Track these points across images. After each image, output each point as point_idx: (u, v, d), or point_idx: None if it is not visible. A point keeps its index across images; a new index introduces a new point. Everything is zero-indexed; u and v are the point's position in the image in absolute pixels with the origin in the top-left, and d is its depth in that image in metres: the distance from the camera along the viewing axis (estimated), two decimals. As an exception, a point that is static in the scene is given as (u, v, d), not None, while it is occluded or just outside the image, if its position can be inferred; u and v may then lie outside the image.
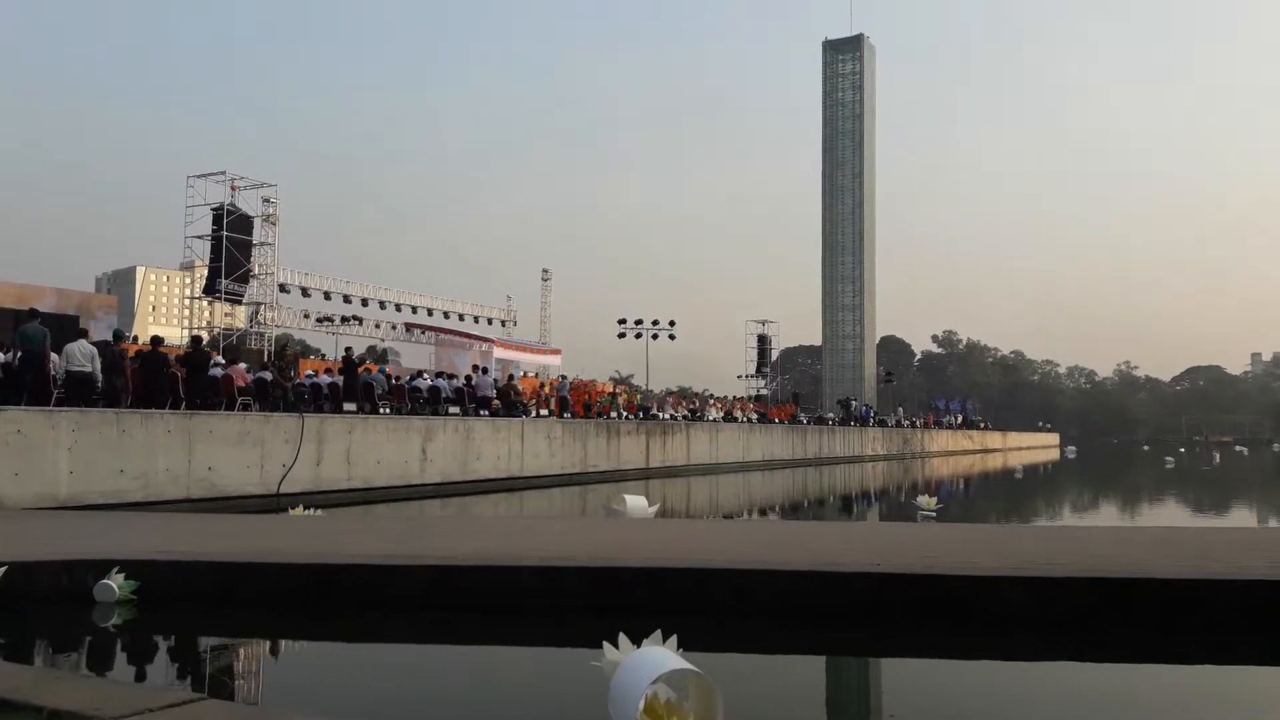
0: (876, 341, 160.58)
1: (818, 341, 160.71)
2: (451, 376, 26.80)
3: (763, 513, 23.09)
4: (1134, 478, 44.90)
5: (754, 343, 58.70)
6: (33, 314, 16.75)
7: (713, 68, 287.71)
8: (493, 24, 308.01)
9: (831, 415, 59.56)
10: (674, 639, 4.64)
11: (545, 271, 54.06)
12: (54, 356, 15.98)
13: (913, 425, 65.31)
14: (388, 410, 22.45)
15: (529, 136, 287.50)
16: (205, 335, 30.93)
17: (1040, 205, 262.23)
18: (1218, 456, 70.29)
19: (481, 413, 24.93)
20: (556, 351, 49.88)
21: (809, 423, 50.38)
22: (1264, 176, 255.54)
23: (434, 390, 24.62)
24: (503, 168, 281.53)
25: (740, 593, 6.81)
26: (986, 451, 73.43)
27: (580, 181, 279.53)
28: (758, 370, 58.84)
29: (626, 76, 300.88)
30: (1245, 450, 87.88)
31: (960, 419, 78.18)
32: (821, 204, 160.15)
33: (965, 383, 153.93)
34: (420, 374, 28.07)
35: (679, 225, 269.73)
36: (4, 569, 6.90)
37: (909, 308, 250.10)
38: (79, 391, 15.71)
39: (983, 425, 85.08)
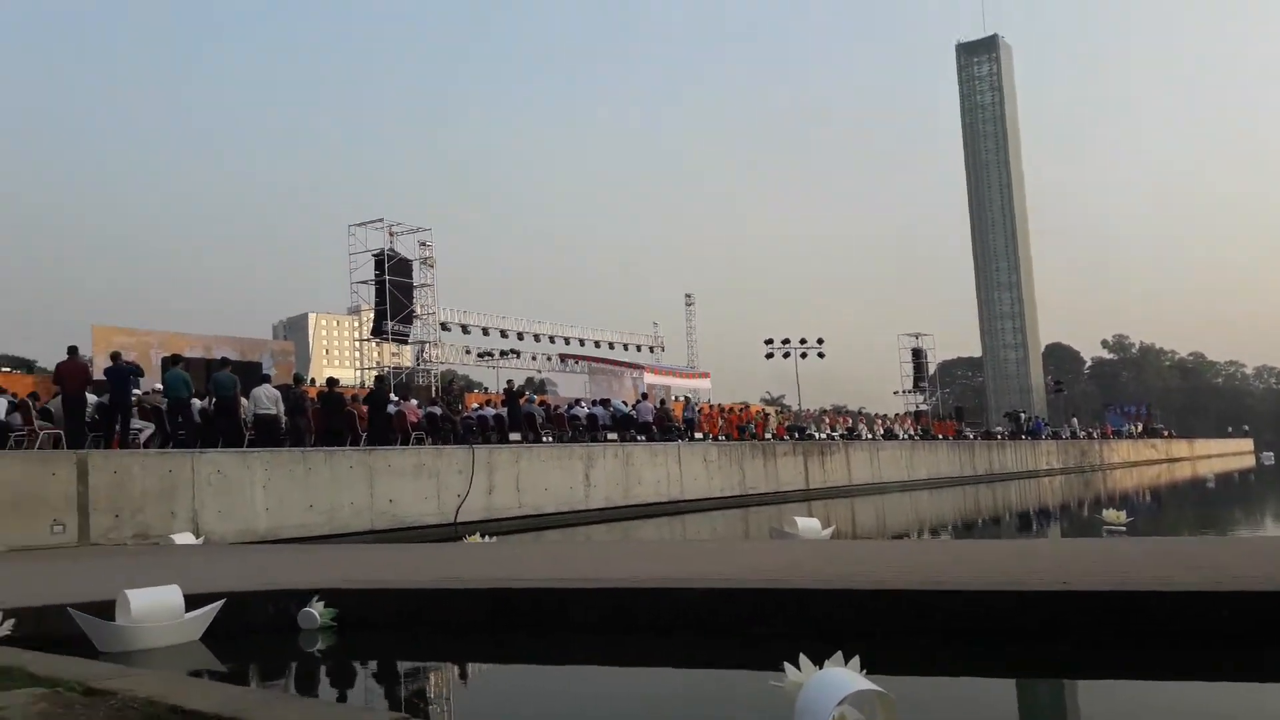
0: (1042, 350, 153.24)
1: (977, 353, 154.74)
2: (607, 403, 27.29)
3: (934, 532, 22.38)
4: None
5: (908, 357, 56.98)
6: (223, 363, 18.16)
7: (842, 82, 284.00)
8: (628, 57, 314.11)
9: (999, 429, 57.10)
10: (856, 660, 4.61)
11: (689, 296, 54.22)
12: (243, 401, 17.25)
13: (1089, 436, 61.80)
14: (549, 439, 23.08)
15: (665, 164, 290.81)
16: (376, 374, 32.64)
17: (1209, 191, 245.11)
18: None
19: (639, 438, 25.27)
20: (705, 375, 49.91)
21: (976, 438, 48.48)
22: None
23: (592, 417, 25.15)
24: (644, 196, 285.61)
25: (920, 612, 6.66)
26: (1172, 461, 68.59)
27: (719, 205, 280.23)
28: (915, 385, 57.05)
29: (758, 97, 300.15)
30: None
31: (1141, 427, 73.40)
32: (969, 210, 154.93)
33: (1141, 389, 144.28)
34: (578, 402, 28.72)
35: (820, 243, 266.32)
36: (223, 601, 7.50)
37: (1074, 314, 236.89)
38: (267, 433, 16.90)
39: (1166, 433, 79.57)
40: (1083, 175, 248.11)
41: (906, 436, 41.01)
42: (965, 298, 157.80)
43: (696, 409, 30.61)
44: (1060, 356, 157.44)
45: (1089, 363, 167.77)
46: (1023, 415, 62.01)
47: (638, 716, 5.86)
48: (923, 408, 56.41)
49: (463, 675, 7.40)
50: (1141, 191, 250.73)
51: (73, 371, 15.30)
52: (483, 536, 14.68)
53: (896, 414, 49.10)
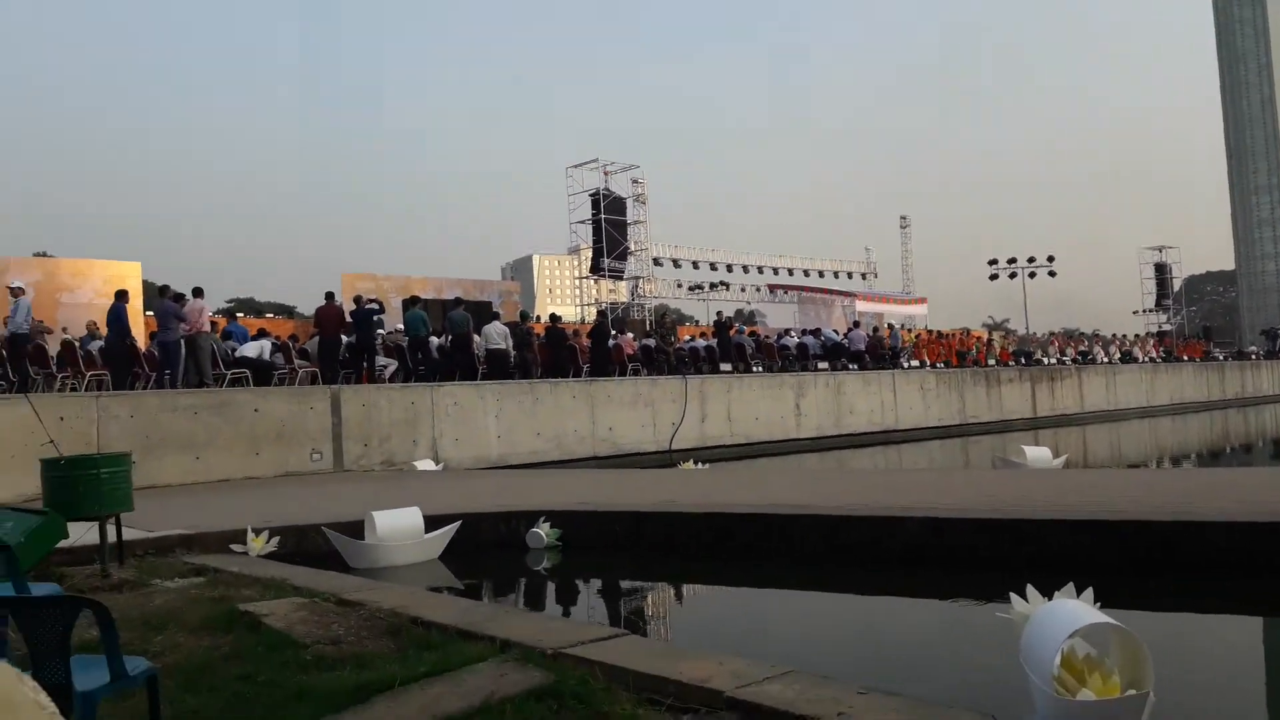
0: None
1: (1230, 266, 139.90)
2: (818, 332, 26.89)
3: (1175, 462, 20.77)
4: None
5: (1150, 273, 52.23)
6: (457, 302, 19.30)
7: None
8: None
9: (1255, 349, 51.69)
10: (1089, 592, 4.41)
11: (904, 219, 51.92)
12: (475, 338, 18.32)
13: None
14: (760, 369, 23.10)
15: (878, 85, 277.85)
16: (594, 310, 33.68)
17: None
18: None
19: (851, 367, 24.82)
20: (922, 300, 47.98)
21: (1226, 358, 44.16)
22: None
23: (802, 347, 24.91)
24: (855, 119, 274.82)
25: (1160, 546, 6.25)
26: None
27: (934, 122, 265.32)
28: (1157, 303, 52.34)
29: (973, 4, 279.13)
30: None
31: None
32: (1221, 106, 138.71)
33: None
34: (787, 332, 28.49)
35: (1045, 154, 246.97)
36: (459, 522, 8.11)
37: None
38: (498, 366, 17.91)
39: None
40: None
41: (1147, 359, 37.95)
42: (1219, 206, 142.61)
43: (899, 336, 29.44)
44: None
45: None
46: (1283, 333, 55.71)
47: (860, 645, 5.87)
48: (1166, 328, 51.88)
49: (678, 595, 7.67)
50: None
51: (329, 315, 16.78)
52: (696, 463, 15.03)
53: (1136, 335, 45.48)
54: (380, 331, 18.28)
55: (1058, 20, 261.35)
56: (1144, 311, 52.23)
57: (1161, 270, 52.01)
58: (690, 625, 6.87)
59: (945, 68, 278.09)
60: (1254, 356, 46.88)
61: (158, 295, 15.34)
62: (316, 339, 17.29)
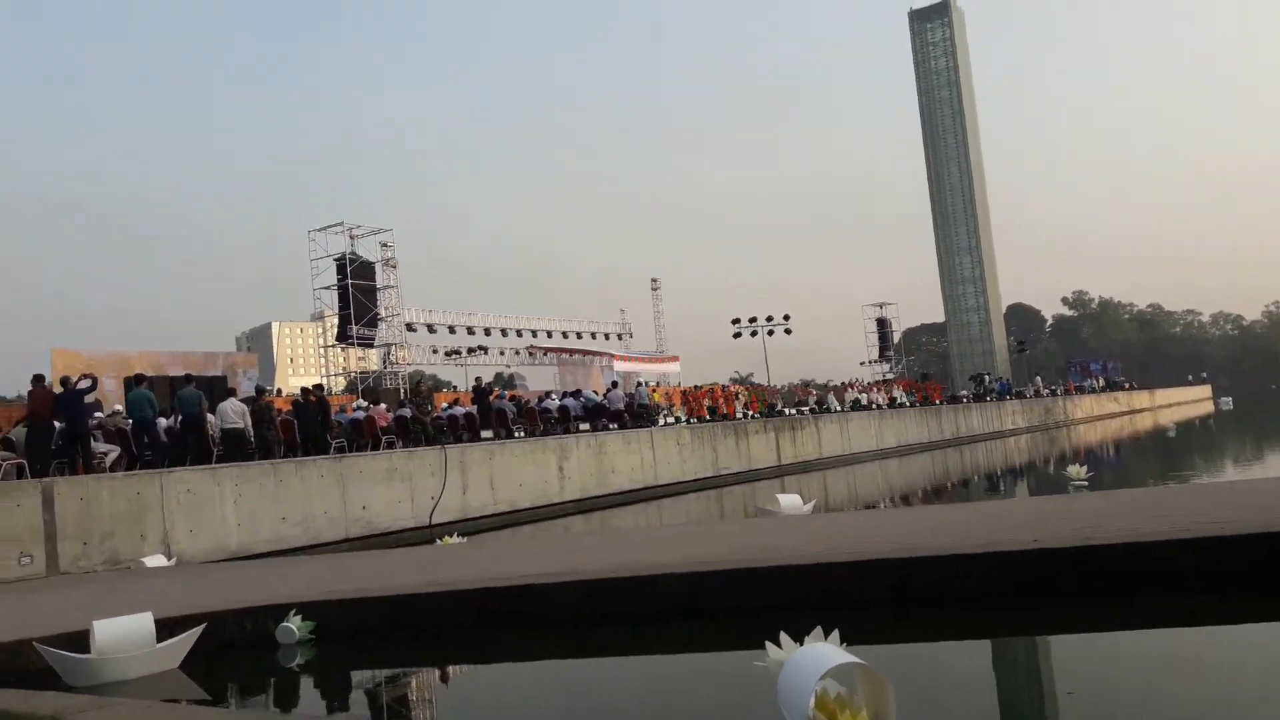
0: (1004, 311, 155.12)
1: (940, 318, 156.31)
2: (578, 394, 27.25)
3: (905, 500, 22.63)
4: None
5: (874, 327, 57.58)
6: (187, 379, 17.93)
7: (793, 51, 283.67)
8: (588, 33, 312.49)
9: (965, 393, 57.80)
10: (835, 634, 4.65)
11: (654, 281, 54.26)
12: (209, 417, 17.04)
13: (1053, 394, 62.70)
14: (522, 434, 23.03)
15: (621, 146, 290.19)
16: (343, 380, 32.37)
17: (1161, 144, 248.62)
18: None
19: (611, 426, 25.29)
20: (674, 359, 50.04)
21: (941, 402, 49.04)
22: None
23: (563, 409, 25.12)
24: (601, 180, 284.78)
25: (896, 583, 6.74)
26: (1134, 412, 69.85)
27: (680, 183, 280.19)
28: (880, 355, 57.67)
29: (706, 68, 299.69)
30: None
31: (1102, 381, 74.57)
32: (927, 177, 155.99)
33: (1102, 343, 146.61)
34: (548, 394, 28.68)
35: (783, 219, 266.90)
36: (202, 626, 7.38)
37: (1034, 274, 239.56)
38: (235, 447, 16.71)
39: (1127, 385, 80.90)
40: (1040, 133, 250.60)
41: (875, 406, 41.40)
42: (927, 265, 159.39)
43: (645, 393, 30.28)
44: (1022, 316, 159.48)
45: (1050, 320, 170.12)
46: (987, 377, 62.82)
47: (623, 707, 5.87)
48: (889, 376, 57.02)
49: (444, 677, 7.38)
50: (1095, 149, 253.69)
51: (38, 399, 15.03)
52: (457, 537, 14.66)
53: (869, 381, 49.57)
54: (98, 414, 16.59)
55: (791, 84, 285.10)
56: (870, 362, 57.30)
57: (883, 324, 57.48)
58: (457, 706, 6.61)
59: (681, 131, 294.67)
60: (965, 400, 52.36)
61: None
62: (22, 427, 15.43)
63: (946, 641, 6.41)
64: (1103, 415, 64.12)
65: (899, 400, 43.56)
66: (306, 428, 18.25)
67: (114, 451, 16.22)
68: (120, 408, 17.46)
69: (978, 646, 6.40)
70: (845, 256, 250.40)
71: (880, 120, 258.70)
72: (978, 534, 7.88)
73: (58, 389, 15.50)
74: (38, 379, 15.35)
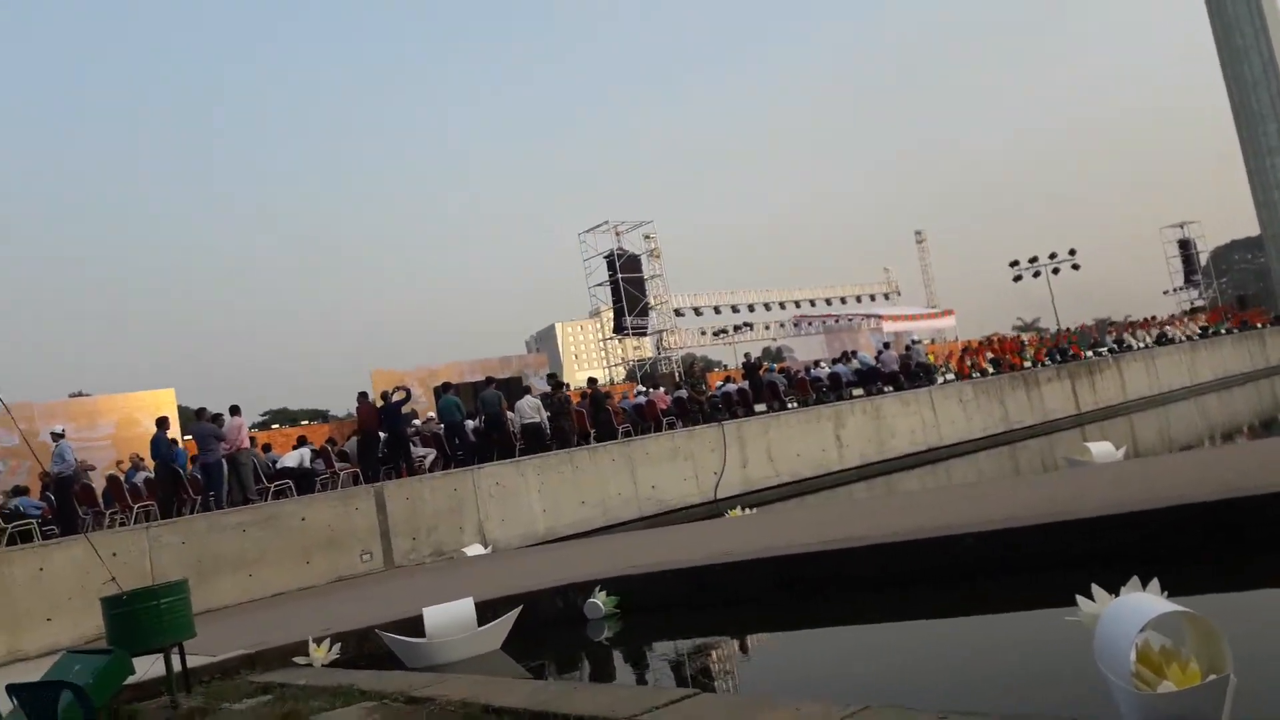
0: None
1: (1255, 231, 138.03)
2: (848, 358, 26.71)
3: (1228, 437, 20.31)
4: None
5: (1175, 251, 51.74)
6: (488, 382, 19.45)
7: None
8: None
9: (1293, 312, 50.75)
10: (1155, 582, 4.30)
11: (919, 233, 52.00)
12: (509, 414, 18.40)
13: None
14: (794, 404, 22.98)
15: (873, 98, 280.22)
16: (623, 369, 33.69)
17: None
18: None
19: (886, 389, 24.62)
20: (949, 312, 47.68)
21: (1264, 325, 43.36)
22: None
23: (834, 376, 24.75)
24: (856, 137, 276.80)
25: (1219, 529, 6.11)
26: None
27: (938, 130, 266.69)
28: (1186, 280, 51.73)
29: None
30: None
31: None
32: (1223, 76, 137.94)
33: None
34: (817, 363, 28.39)
35: (1055, 147, 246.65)
36: (519, 608, 8.01)
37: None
38: (534, 440, 17.95)
39: None
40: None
41: (1185, 338, 37.34)
42: (1235, 173, 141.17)
43: (921, 351, 28.97)
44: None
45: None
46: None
47: (932, 670, 5.75)
48: (1199, 303, 51.16)
49: (743, 646, 7.56)
50: None
51: (364, 413, 17.01)
52: (743, 509, 14.89)
53: (1170, 315, 44.83)
54: (416, 422, 18.41)
55: (1044, 13, 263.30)
56: (1174, 290, 51.56)
57: (1186, 246, 51.40)
58: (762, 675, 6.76)
59: (916, 78, 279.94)
60: (1293, 319, 45.99)
61: (194, 418, 15.60)
62: (354, 440, 17.44)
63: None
64: None
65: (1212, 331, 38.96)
66: (597, 415, 19.25)
67: (431, 454, 17.93)
68: (433, 414, 19.24)
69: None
70: (1135, 176, 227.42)
71: (1159, 22, 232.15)
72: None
73: (379, 403, 17.37)
74: (362, 396, 17.29)
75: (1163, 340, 36.34)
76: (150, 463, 15.89)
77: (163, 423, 15.22)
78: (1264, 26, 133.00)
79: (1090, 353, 33.37)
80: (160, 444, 15.00)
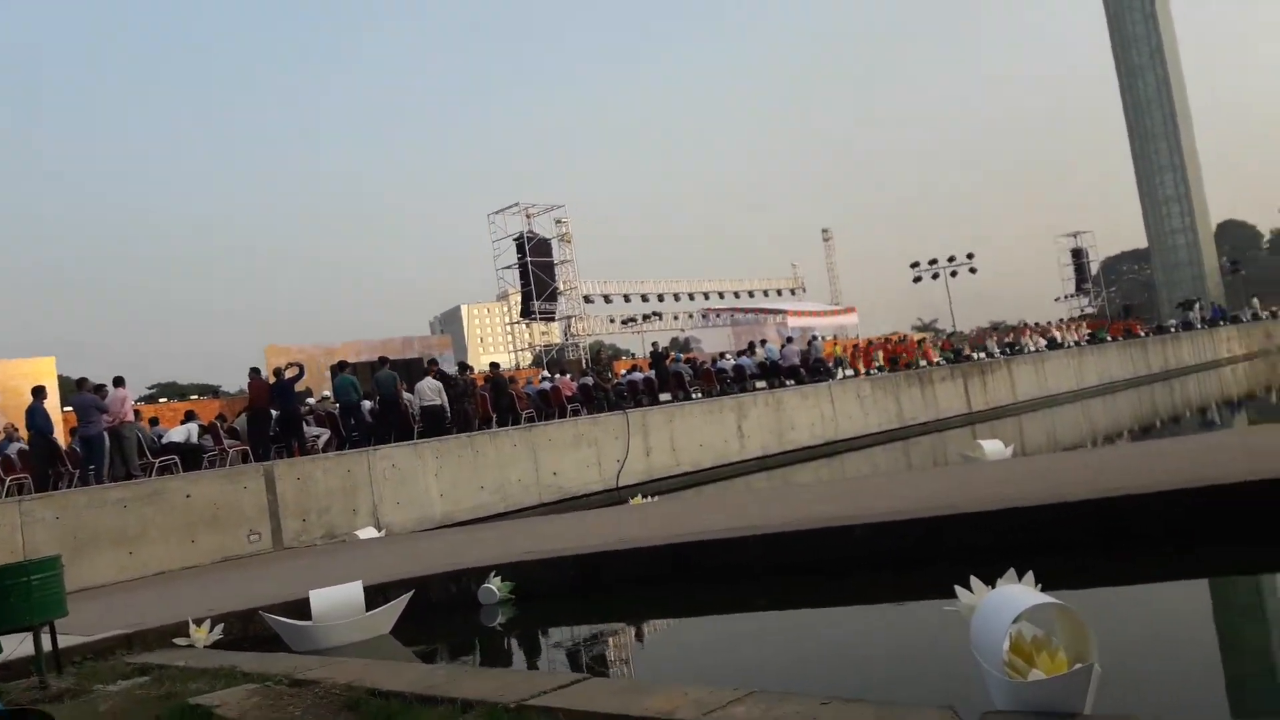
0: (1213, 230, 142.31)
1: (1143, 244, 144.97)
2: (752, 351, 27.09)
3: (1109, 440, 21.29)
4: None
5: (1068, 259, 53.97)
6: (382, 362, 19.02)
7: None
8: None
9: (1173, 322, 53.54)
10: (1029, 575, 4.46)
11: (825, 231, 53.18)
12: (407, 396, 18.05)
13: (1273, 315, 57.10)
14: (699, 395, 23.18)
15: (786, 92, 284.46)
16: (529, 355, 33.49)
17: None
18: None
19: (788, 383, 25.05)
20: (851, 310, 48.88)
21: (1147, 334, 45.59)
22: None
23: (739, 369, 25.06)
24: (766, 134, 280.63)
25: (1101, 524, 6.39)
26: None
27: (847, 130, 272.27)
28: (1077, 288, 54.05)
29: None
30: None
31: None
32: (1119, 90, 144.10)
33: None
34: (723, 355, 28.69)
35: (958, 152, 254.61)
36: (409, 593, 7.87)
37: (1246, 186, 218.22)
38: (433, 423, 17.66)
39: (1368, 301, 72.59)
40: (1242, 26, 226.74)
41: (1072, 344, 38.98)
42: (1125, 186, 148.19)
43: (819, 347, 29.59)
44: (1234, 234, 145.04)
45: (1268, 236, 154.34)
46: (1197, 303, 57.85)
47: (817, 657, 5.86)
48: (1088, 310, 53.47)
49: (638, 633, 7.59)
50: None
51: (256, 390, 16.45)
52: (645, 497, 14.98)
53: (1060, 320, 46.76)
54: (310, 400, 17.92)
55: (953, 17, 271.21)
56: (1065, 297, 53.83)
57: (1078, 255, 53.65)
58: (654, 660, 6.79)
59: (827, 75, 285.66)
60: (1172, 330, 48.47)
61: (75, 389, 14.86)
62: (244, 417, 16.88)
63: (1152, 584, 6.03)
64: (1338, 336, 57.81)
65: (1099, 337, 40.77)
66: (499, 399, 19.05)
67: (325, 434, 17.49)
68: (328, 393, 18.76)
69: (1187, 587, 5.99)
70: (1033, 187, 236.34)
71: (1061, 37, 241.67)
72: (1187, 469, 7.33)
73: (271, 380, 16.85)
74: (254, 372, 16.73)
75: (1052, 345, 37.87)
76: (25, 434, 15.09)
77: (39, 392, 14.45)
78: (1159, 46, 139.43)
79: (982, 354, 34.58)
80: (36, 414, 14.25)
